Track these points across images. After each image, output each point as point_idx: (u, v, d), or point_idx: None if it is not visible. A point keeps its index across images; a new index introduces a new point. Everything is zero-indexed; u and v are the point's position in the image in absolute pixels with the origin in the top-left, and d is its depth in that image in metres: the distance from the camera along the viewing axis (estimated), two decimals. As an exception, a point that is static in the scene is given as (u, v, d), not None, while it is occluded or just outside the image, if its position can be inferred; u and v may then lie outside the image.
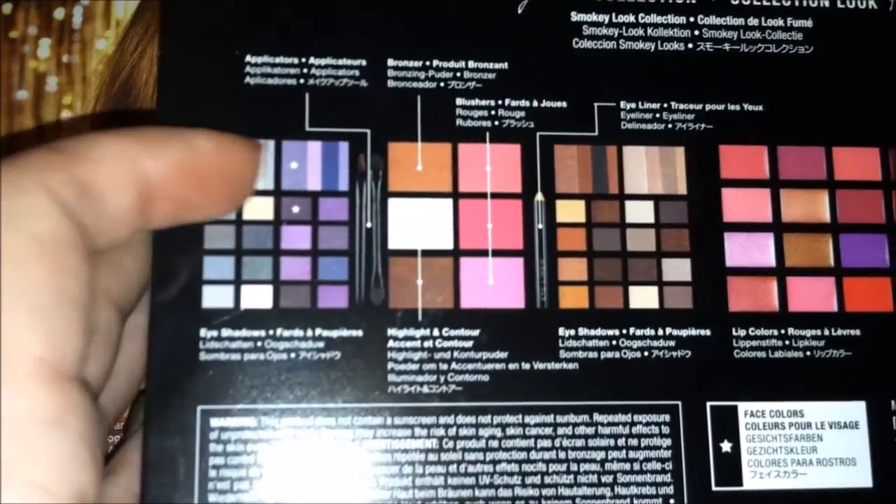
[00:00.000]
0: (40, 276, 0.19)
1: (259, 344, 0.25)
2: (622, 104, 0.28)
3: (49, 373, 0.19)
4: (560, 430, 0.26)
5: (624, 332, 0.27)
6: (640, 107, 0.28)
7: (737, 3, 0.29)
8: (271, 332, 0.25)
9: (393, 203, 0.27)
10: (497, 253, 0.27)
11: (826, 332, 0.27)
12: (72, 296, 0.20)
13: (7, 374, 0.18)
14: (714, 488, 0.26)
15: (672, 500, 0.26)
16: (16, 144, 0.25)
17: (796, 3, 0.29)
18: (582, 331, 0.27)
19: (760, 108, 0.28)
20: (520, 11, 0.28)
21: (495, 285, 0.27)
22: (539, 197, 0.27)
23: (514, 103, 0.28)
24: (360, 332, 0.26)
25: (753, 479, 0.26)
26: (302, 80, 0.27)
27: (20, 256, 0.19)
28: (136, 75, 0.33)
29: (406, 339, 0.26)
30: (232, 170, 0.24)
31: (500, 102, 0.28)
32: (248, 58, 0.27)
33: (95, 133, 0.21)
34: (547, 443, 0.26)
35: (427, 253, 0.27)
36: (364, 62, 0.27)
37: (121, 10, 0.33)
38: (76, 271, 0.20)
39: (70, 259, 0.20)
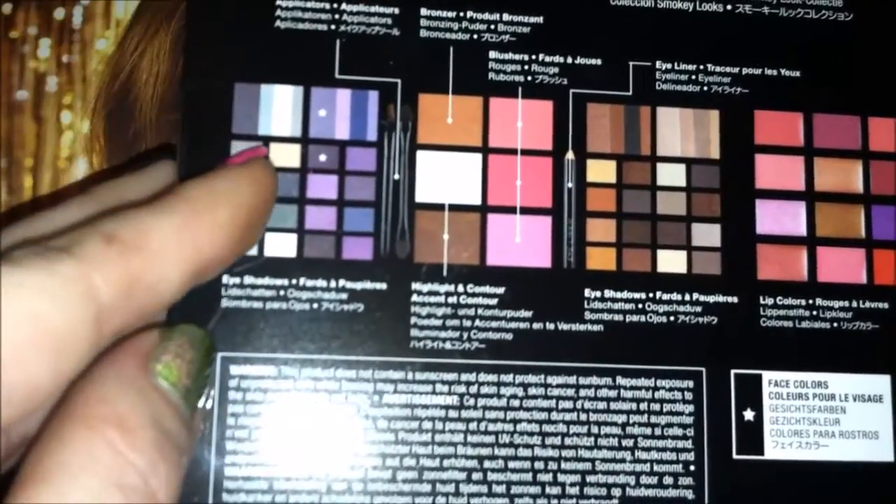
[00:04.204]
0: None
1: (281, 293, 0.25)
2: (658, 64, 0.27)
3: None
4: (582, 392, 0.26)
5: (650, 295, 0.26)
6: (676, 67, 0.28)
7: (778, -35, 0.29)
8: (294, 281, 0.25)
9: (421, 155, 0.26)
10: (525, 210, 0.26)
11: (854, 304, 0.27)
12: (12, 389, 0.17)
13: None
14: (735, 456, 0.26)
15: (692, 467, 0.26)
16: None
17: (838, -32, 0.29)
18: (608, 293, 0.26)
19: (797, 73, 0.28)
20: None
21: (522, 243, 0.26)
22: (570, 155, 0.27)
23: (547, 59, 0.27)
24: (383, 285, 0.25)
25: (775, 449, 0.26)
26: (333, 26, 0.26)
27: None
28: (136, 75, 0.32)
29: (430, 293, 0.26)
30: (269, 202, 0.23)
31: (533, 57, 0.27)
32: (279, 0, 0.26)
33: (147, 211, 0.20)
34: (568, 404, 0.26)
35: (454, 207, 0.26)
36: (396, 10, 0.27)
37: (121, 10, 0.32)
38: (38, 373, 0.17)
39: (46, 360, 0.17)
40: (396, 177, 0.26)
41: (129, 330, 0.19)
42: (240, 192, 0.21)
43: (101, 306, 0.18)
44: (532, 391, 0.25)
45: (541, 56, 0.27)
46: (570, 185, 0.27)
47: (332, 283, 0.25)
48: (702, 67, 0.28)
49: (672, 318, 0.26)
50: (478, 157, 0.26)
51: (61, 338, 0.17)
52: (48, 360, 0.17)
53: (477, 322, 0.26)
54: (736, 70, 0.28)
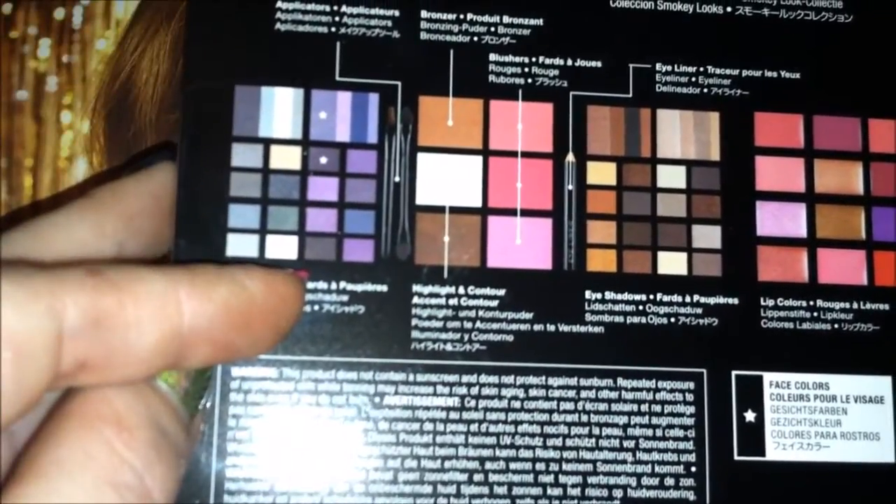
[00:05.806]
0: None
1: (282, 295, 0.25)
2: (658, 66, 0.28)
3: None
4: (583, 394, 0.26)
5: (651, 297, 0.26)
6: (676, 70, 0.28)
7: (778, -33, 0.29)
8: (295, 283, 0.25)
9: (422, 158, 0.26)
10: (525, 213, 0.26)
11: (855, 306, 0.27)
12: None
13: None
14: (736, 458, 0.26)
15: (693, 468, 0.26)
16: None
17: (838, -30, 0.29)
18: (609, 294, 0.26)
19: (798, 75, 0.28)
20: None
21: (523, 245, 0.26)
22: (570, 157, 0.27)
23: (548, 61, 0.27)
24: (384, 288, 0.25)
25: (776, 450, 0.26)
26: (333, 29, 0.26)
27: None
28: (136, 75, 0.32)
29: (431, 295, 0.26)
30: (278, 309, 0.21)
31: (534, 60, 0.27)
32: (279, 3, 0.26)
33: (147, 267, 0.19)
34: (569, 405, 0.26)
35: (455, 210, 0.26)
36: (397, 13, 0.27)
37: (121, 10, 0.32)
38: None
39: (7, 365, 0.17)
40: (397, 179, 0.26)
41: (99, 376, 0.18)
42: (250, 285, 0.20)
43: (63, 326, 0.17)
44: (533, 392, 0.25)
45: (541, 58, 0.27)
46: (570, 187, 0.27)
47: (333, 286, 0.25)
48: (702, 69, 0.28)
49: (673, 320, 0.26)
50: (478, 159, 0.27)
51: (20, 344, 0.17)
52: (9, 364, 0.17)
53: (478, 324, 0.26)
54: (736, 72, 0.28)
